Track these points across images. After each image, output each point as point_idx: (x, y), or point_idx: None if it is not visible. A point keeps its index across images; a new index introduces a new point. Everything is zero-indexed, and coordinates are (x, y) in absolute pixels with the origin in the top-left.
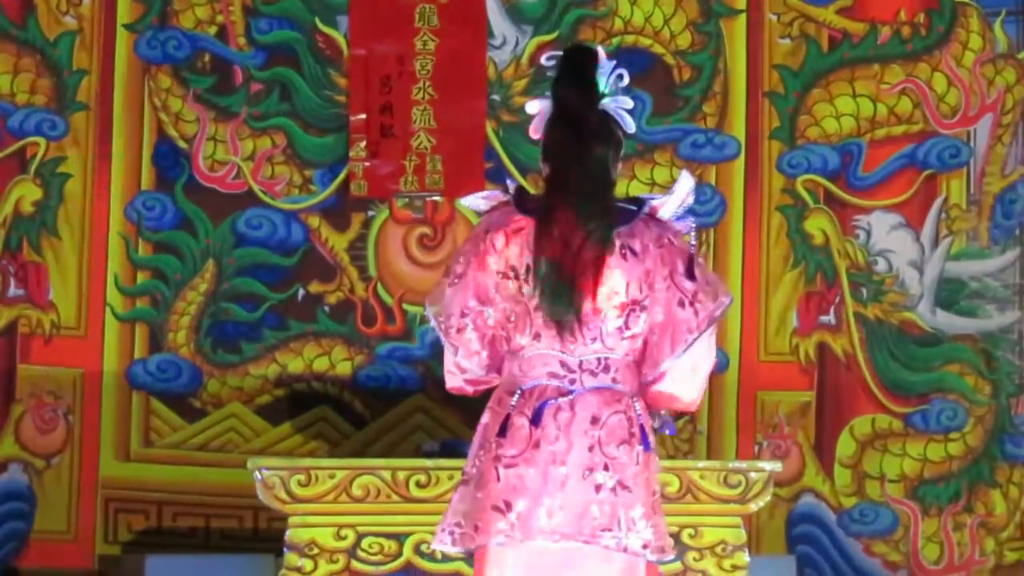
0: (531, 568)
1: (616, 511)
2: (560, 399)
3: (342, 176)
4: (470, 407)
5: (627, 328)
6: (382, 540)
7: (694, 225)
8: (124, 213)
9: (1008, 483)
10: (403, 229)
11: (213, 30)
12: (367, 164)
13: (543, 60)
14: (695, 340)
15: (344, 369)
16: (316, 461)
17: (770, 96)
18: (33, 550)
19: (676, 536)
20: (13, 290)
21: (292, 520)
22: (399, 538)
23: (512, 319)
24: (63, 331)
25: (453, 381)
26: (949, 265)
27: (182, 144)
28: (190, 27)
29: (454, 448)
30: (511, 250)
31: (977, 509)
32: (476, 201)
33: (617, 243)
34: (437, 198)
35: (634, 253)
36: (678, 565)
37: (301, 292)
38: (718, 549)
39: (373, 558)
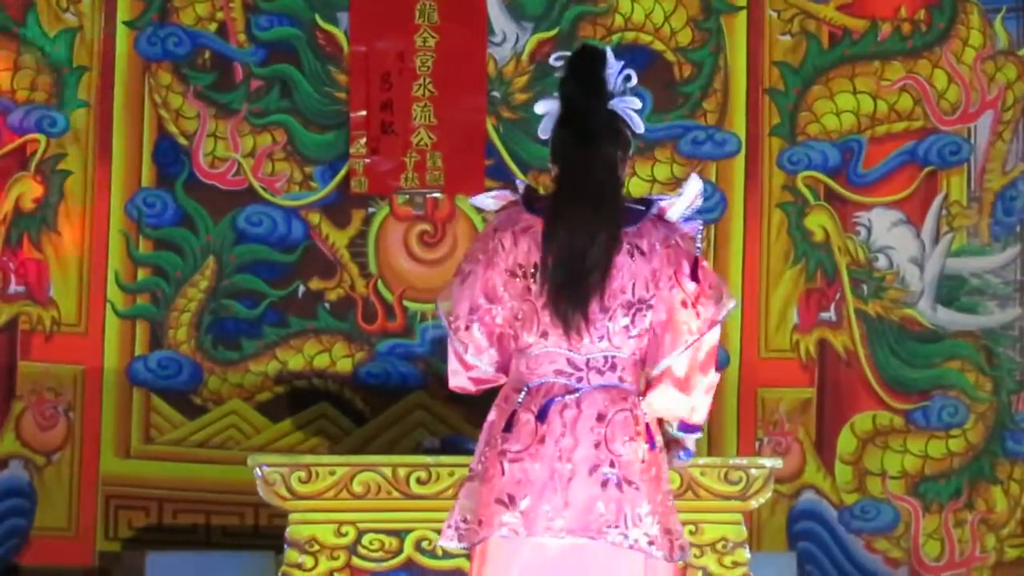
0: (533, 562)
1: (622, 507)
2: (567, 396)
3: (342, 173)
4: (471, 404)
5: (633, 327)
6: (383, 537)
7: (702, 227)
8: (124, 210)
9: (1009, 480)
10: (403, 226)
11: (213, 27)
12: (367, 161)
13: (551, 60)
14: (695, 341)
15: (345, 366)
16: (316, 458)
17: (770, 93)
18: (34, 547)
19: None
20: (14, 287)
21: (292, 517)
22: (400, 535)
23: (520, 317)
24: (64, 328)
25: (457, 380)
26: (950, 262)
27: (182, 141)
28: (190, 24)
29: (455, 445)
30: (519, 249)
31: (978, 506)
32: (485, 200)
33: (625, 243)
34: (437, 195)
35: (641, 253)
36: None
37: (301, 289)
38: (719, 546)
39: (374, 555)
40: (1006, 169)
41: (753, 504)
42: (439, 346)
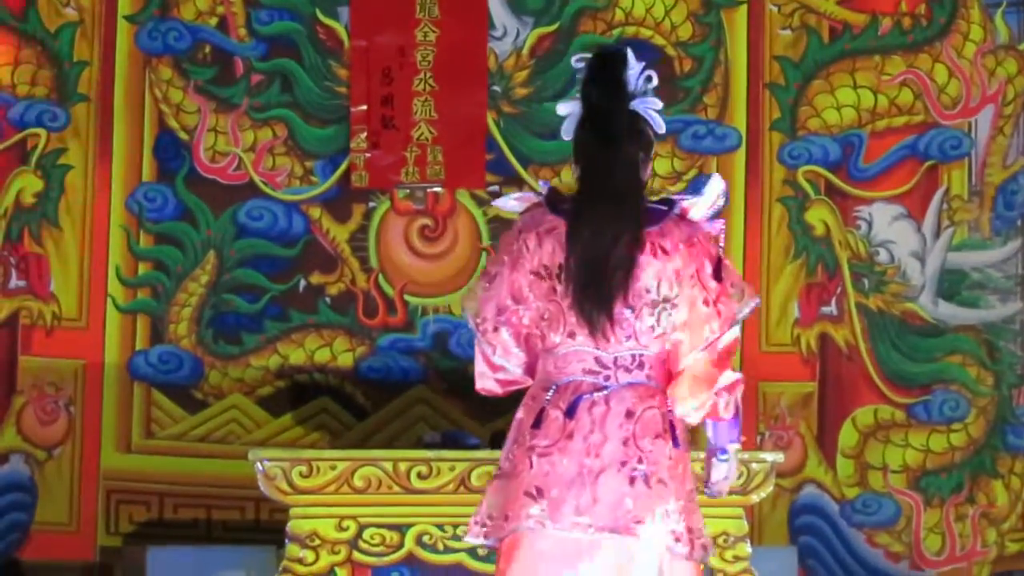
0: (558, 555)
1: (651, 503)
2: (595, 394)
3: (343, 167)
4: (472, 399)
5: (658, 326)
6: (384, 531)
7: (723, 227)
8: (125, 204)
9: (1010, 474)
10: (404, 220)
11: (214, 21)
12: (368, 155)
13: (573, 62)
14: (715, 340)
15: (345, 360)
16: (317, 452)
17: (771, 87)
18: (34, 541)
19: None
20: (14, 282)
21: (293, 511)
22: (401, 529)
23: (546, 318)
24: (64, 323)
25: (484, 382)
26: (951, 256)
27: (183, 135)
28: (191, 18)
29: (455, 439)
30: (544, 250)
31: (979, 500)
32: (509, 202)
33: (648, 242)
34: (438, 189)
35: (664, 252)
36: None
37: (302, 283)
38: (720, 540)
39: (375, 549)
40: (1007, 163)
41: (754, 498)
42: (440, 341)
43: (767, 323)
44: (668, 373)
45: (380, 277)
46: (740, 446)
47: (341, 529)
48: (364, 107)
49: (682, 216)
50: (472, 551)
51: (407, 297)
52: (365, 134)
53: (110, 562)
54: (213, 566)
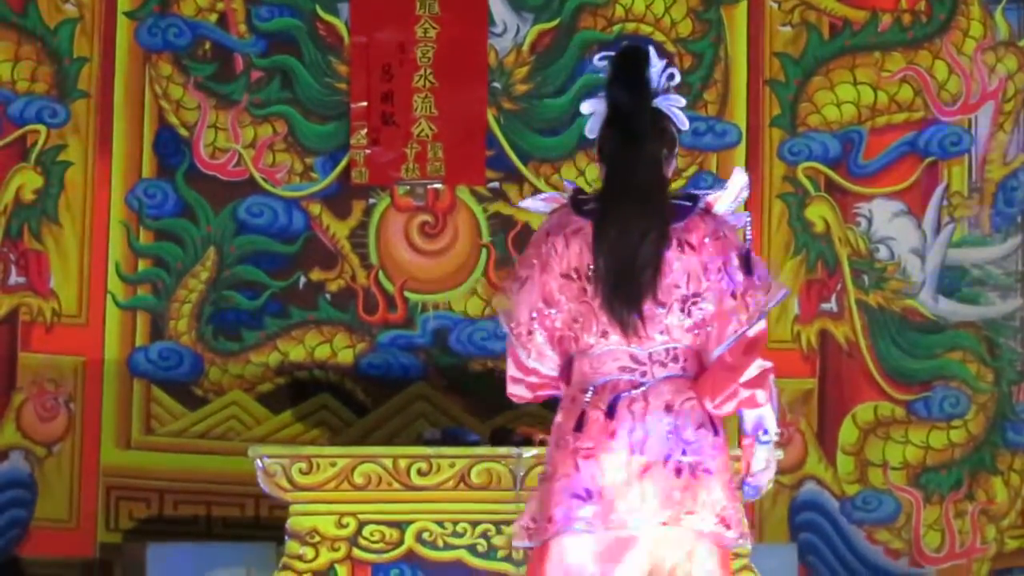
0: (613, 554)
1: (698, 493)
2: (633, 391)
3: (343, 164)
4: (472, 395)
5: (688, 319)
6: (384, 528)
7: (749, 219)
8: (125, 201)
9: (1009, 471)
10: (404, 217)
11: (214, 17)
12: (368, 152)
13: (595, 61)
14: (743, 332)
15: (346, 357)
16: (317, 449)
17: (771, 84)
18: (34, 538)
19: None
20: (14, 278)
21: (293, 508)
22: (401, 526)
23: (578, 319)
24: (64, 319)
25: (516, 388)
26: (951, 252)
27: (183, 132)
28: (191, 15)
29: (456, 436)
30: (571, 251)
31: (978, 497)
32: (535, 204)
33: (674, 239)
34: (438, 186)
35: (691, 247)
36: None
37: (302, 280)
38: None
39: (374, 546)
40: (1007, 160)
41: None
42: (440, 337)
43: (767, 320)
44: (703, 364)
45: (380, 274)
46: (778, 436)
47: (341, 526)
48: (364, 103)
49: (707, 210)
50: (471, 547)
51: (407, 294)
52: (365, 130)
53: (110, 559)
54: (213, 563)
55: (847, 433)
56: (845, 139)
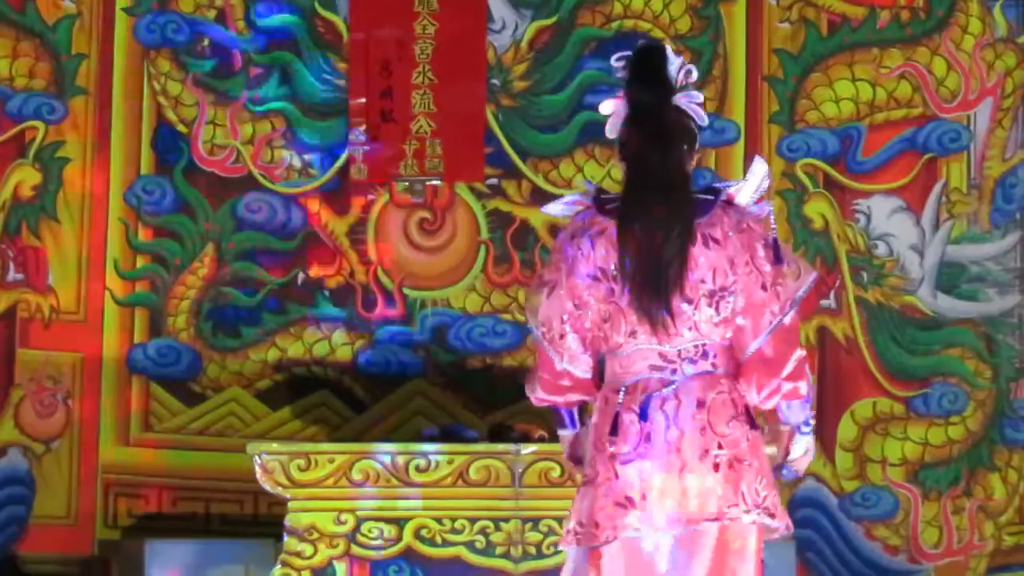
0: (663, 556)
1: (739, 485)
2: (664, 390)
3: (342, 160)
4: (470, 392)
5: (717, 314)
6: (382, 525)
7: (771, 209)
8: (123, 197)
9: (1007, 467)
10: (403, 213)
11: (212, 14)
12: (367, 148)
13: (612, 61)
14: (779, 322)
15: (344, 353)
16: (316, 446)
17: (769, 80)
18: (32, 535)
19: None
20: (12, 274)
21: (292, 505)
22: (399, 523)
23: (607, 320)
24: (62, 316)
25: (544, 393)
26: (950, 249)
27: (181, 128)
28: (189, 11)
29: (454, 433)
30: (597, 252)
31: (976, 493)
32: (558, 208)
33: (699, 233)
34: (437, 182)
35: (716, 241)
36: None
37: (301, 276)
38: None
39: (373, 543)
40: (1006, 156)
41: None
42: (439, 334)
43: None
44: (733, 359)
45: (379, 270)
46: (814, 421)
47: (339, 523)
48: (363, 100)
49: (728, 202)
50: (470, 544)
51: (406, 290)
52: (364, 127)
53: (108, 556)
54: (211, 559)
55: (846, 429)
56: (844, 135)
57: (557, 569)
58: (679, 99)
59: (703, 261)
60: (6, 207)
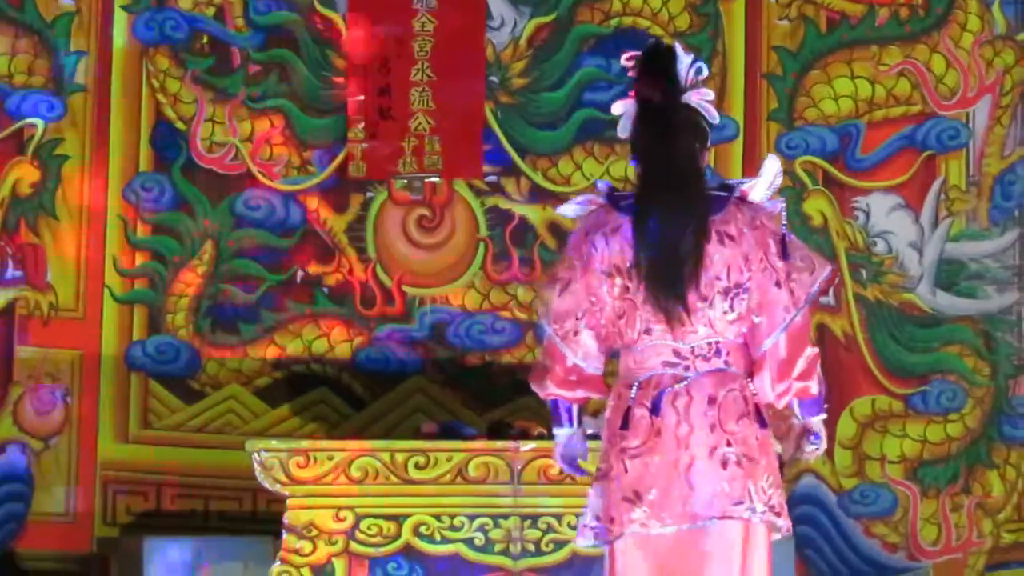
0: (667, 552)
1: (746, 483)
2: (676, 386)
3: (340, 157)
4: (469, 389)
5: (732, 311)
6: (381, 522)
7: (783, 205)
8: (122, 195)
9: (1005, 464)
10: (402, 210)
11: (211, 11)
12: (365, 145)
13: (623, 61)
14: (792, 318)
15: (343, 351)
16: (315, 443)
17: (768, 78)
18: (31, 532)
19: None
20: (11, 272)
21: (291, 502)
22: (398, 520)
23: (622, 316)
24: (61, 313)
25: (557, 387)
26: (949, 246)
27: (180, 125)
28: (188, 8)
29: (453, 430)
30: (612, 249)
31: (975, 490)
32: (572, 209)
33: (713, 230)
34: (435, 179)
35: (731, 238)
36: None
37: (300, 273)
38: None
39: (372, 540)
40: (1004, 154)
41: None
42: (437, 331)
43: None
44: (747, 357)
45: (378, 267)
46: (825, 415)
47: (338, 520)
48: (361, 97)
49: (742, 199)
50: (469, 541)
51: (405, 287)
52: (362, 124)
53: (107, 553)
54: (210, 556)
55: (844, 427)
56: (843, 133)
57: (556, 566)
58: (689, 97)
59: (718, 258)
60: (5, 204)
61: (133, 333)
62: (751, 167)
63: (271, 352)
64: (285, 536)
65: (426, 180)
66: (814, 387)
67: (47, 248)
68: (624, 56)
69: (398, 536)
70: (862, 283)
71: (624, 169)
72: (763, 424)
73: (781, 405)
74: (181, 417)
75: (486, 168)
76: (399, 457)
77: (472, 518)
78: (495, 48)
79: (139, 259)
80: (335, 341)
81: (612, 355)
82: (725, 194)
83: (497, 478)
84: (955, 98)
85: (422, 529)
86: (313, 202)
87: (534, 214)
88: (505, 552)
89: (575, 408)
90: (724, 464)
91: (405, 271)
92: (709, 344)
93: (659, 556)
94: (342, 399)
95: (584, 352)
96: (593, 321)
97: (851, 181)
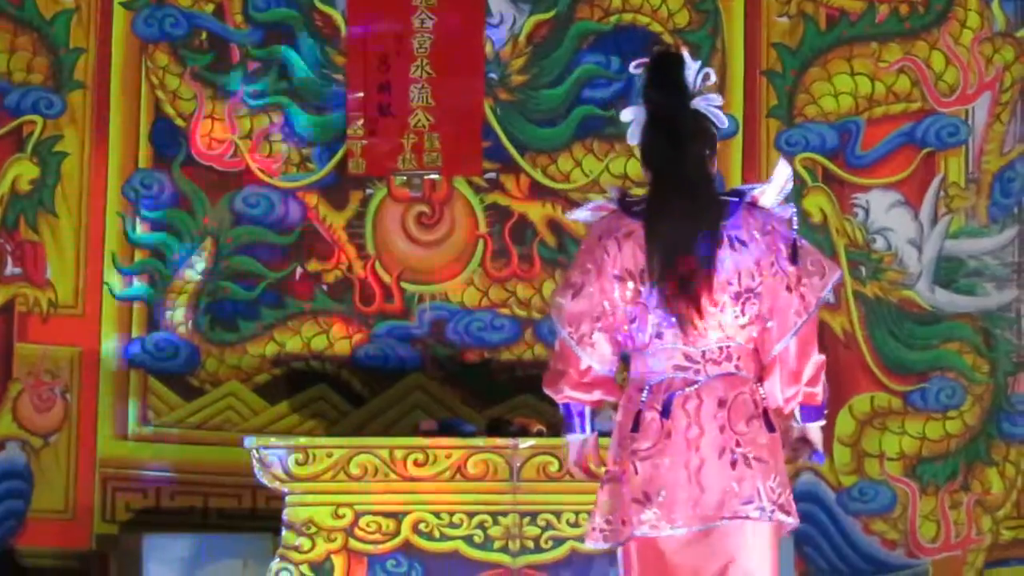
0: (678, 553)
1: (755, 483)
2: (687, 389)
3: (340, 154)
4: (469, 386)
5: (743, 315)
6: (380, 519)
7: (795, 210)
8: (121, 191)
9: (1004, 461)
10: (401, 207)
11: (210, 8)
12: (365, 142)
13: (631, 68)
14: (803, 323)
15: (342, 348)
16: (314, 440)
17: (768, 75)
18: (30, 529)
19: None
20: (10, 269)
21: (290, 499)
22: (397, 517)
23: (634, 320)
24: (60, 310)
25: (573, 390)
26: (948, 243)
27: (179, 122)
28: (187, 5)
29: (452, 427)
30: (624, 253)
31: (974, 487)
32: (584, 214)
33: (725, 235)
34: (435, 176)
35: (742, 243)
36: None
37: (299, 270)
38: None
39: (371, 537)
40: (1004, 151)
41: None
42: (437, 328)
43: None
44: (757, 361)
45: (377, 264)
46: (824, 422)
47: (337, 517)
48: (361, 94)
49: (753, 204)
50: (468, 538)
51: (404, 284)
52: (362, 121)
53: (106, 550)
54: (209, 554)
55: (844, 424)
56: (842, 130)
57: (555, 563)
58: (697, 103)
59: (729, 263)
60: (4, 201)
61: (132, 330)
62: (750, 164)
63: (270, 349)
64: (284, 533)
65: (425, 177)
66: (820, 394)
67: (46, 245)
68: (633, 64)
69: (397, 533)
70: (861, 280)
71: (624, 166)
72: (771, 428)
73: (789, 410)
74: (180, 414)
75: (485, 165)
76: (398, 454)
77: (471, 515)
78: (494, 45)
79: (138, 256)
80: (334, 338)
81: (622, 359)
82: (736, 199)
83: (496, 475)
84: (955, 95)
85: (421, 526)
86: (312, 199)
87: (533, 211)
88: (504, 549)
89: (588, 413)
90: (733, 464)
91: (404, 268)
92: (720, 348)
93: (670, 557)
94: (341, 396)
95: (599, 357)
96: (607, 324)
97: (851, 178)
